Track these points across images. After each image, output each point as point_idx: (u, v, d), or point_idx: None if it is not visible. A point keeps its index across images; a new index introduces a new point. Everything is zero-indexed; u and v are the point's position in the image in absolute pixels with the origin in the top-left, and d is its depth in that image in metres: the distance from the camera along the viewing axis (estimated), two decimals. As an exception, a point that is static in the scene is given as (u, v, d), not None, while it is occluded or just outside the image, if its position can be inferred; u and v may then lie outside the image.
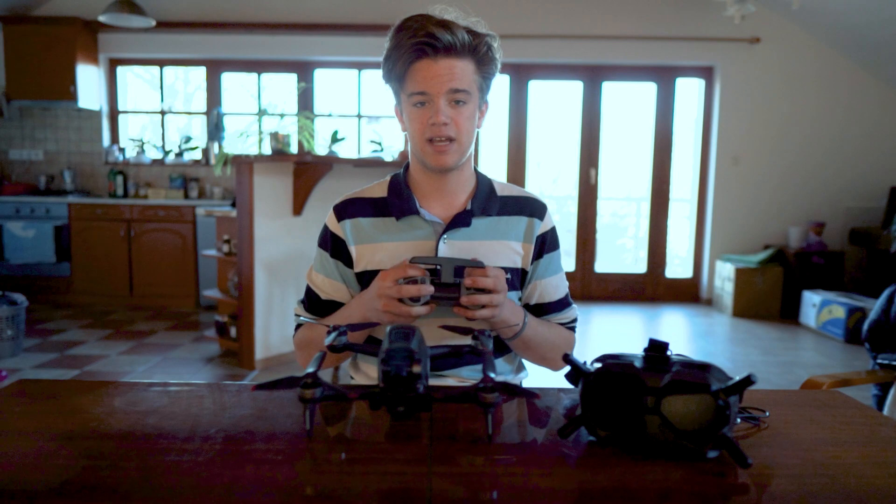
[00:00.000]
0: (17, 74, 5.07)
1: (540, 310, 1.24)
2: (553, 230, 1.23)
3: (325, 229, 1.21)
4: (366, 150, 5.55)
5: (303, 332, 1.22)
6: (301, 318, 1.24)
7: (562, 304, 1.26)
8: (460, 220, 1.15)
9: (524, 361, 1.30)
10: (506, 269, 1.15)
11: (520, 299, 1.23)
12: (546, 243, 1.22)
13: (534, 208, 1.21)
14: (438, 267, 1.02)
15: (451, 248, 1.15)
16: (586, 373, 0.78)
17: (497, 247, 1.16)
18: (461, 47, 1.06)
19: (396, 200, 1.17)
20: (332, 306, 1.21)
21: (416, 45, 1.04)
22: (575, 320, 1.29)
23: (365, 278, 1.17)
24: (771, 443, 0.80)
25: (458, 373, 1.17)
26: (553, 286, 1.23)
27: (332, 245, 1.19)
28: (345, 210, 1.19)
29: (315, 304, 1.22)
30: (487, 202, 1.18)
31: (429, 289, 1.00)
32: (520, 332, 1.14)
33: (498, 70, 1.14)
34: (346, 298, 1.20)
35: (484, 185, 1.20)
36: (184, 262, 5.07)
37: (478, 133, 1.18)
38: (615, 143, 5.73)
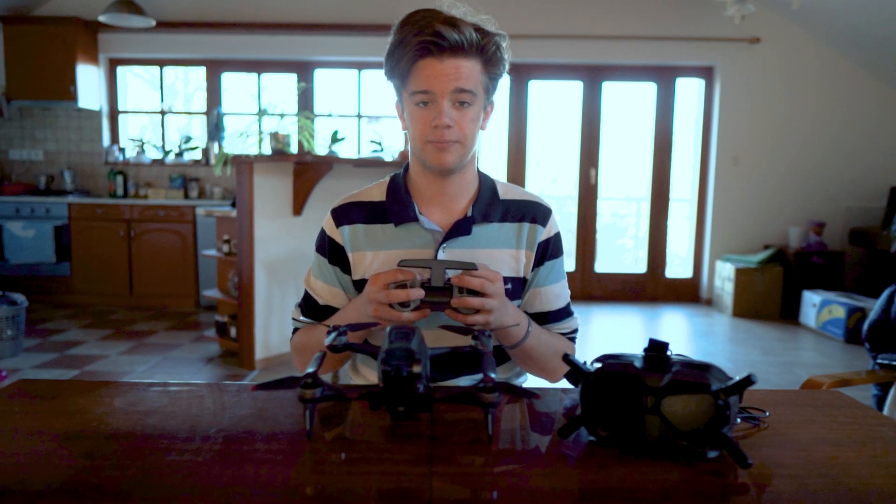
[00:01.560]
0: (17, 74, 5.07)
1: (540, 319, 1.21)
2: (556, 236, 1.19)
3: (323, 234, 1.18)
4: (366, 150, 5.55)
5: (300, 335, 1.21)
6: (298, 321, 1.23)
7: (563, 314, 1.22)
8: (460, 229, 1.11)
9: None
10: (506, 279, 1.12)
11: (519, 307, 1.20)
12: (548, 250, 1.17)
13: (536, 213, 1.17)
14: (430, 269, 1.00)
15: (451, 257, 1.11)
16: (586, 373, 0.78)
17: (497, 255, 1.13)
18: (469, 46, 1.01)
19: (395, 206, 1.13)
20: (330, 312, 1.19)
21: (422, 42, 1.00)
22: (576, 330, 1.26)
23: (362, 286, 1.14)
24: (771, 443, 0.80)
25: (455, 382, 1.16)
26: (554, 294, 1.20)
27: (330, 251, 1.16)
28: (343, 215, 1.15)
29: (313, 310, 1.20)
30: (489, 207, 1.14)
31: (418, 293, 0.97)
32: (522, 340, 1.11)
33: (505, 70, 1.10)
34: (344, 304, 1.18)
35: (486, 189, 1.16)
36: (184, 262, 5.07)
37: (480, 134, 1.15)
38: (615, 143, 5.73)
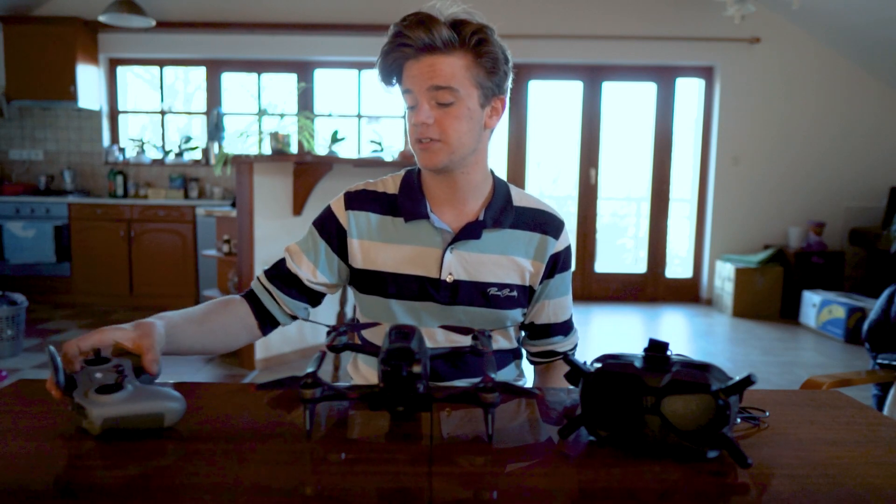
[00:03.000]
0: (17, 74, 5.07)
1: (545, 331, 1.21)
2: (567, 250, 1.18)
3: (329, 212, 1.16)
4: (366, 150, 5.55)
5: (220, 302, 1.10)
6: (254, 285, 1.15)
7: (567, 327, 1.23)
8: (470, 231, 1.10)
9: (523, 368, 1.29)
10: (510, 286, 1.13)
11: (524, 315, 1.20)
12: (559, 263, 1.17)
13: (549, 225, 1.16)
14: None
15: (459, 259, 1.10)
16: (586, 373, 0.78)
17: (504, 262, 1.12)
18: (443, 44, 1.00)
19: (407, 201, 1.13)
20: (291, 278, 1.13)
21: (396, 49, 1.02)
22: (576, 346, 1.27)
23: (364, 277, 1.14)
24: (771, 443, 0.80)
25: (453, 385, 1.16)
26: (561, 307, 1.21)
27: (328, 227, 1.14)
28: (356, 200, 1.14)
29: (277, 270, 1.14)
30: (501, 213, 1.13)
31: (53, 387, 0.80)
32: None
33: (504, 61, 1.07)
34: (309, 278, 1.13)
35: (500, 194, 1.15)
36: (184, 262, 5.07)
37: (491, 133, 1.12)
38: (615, 143, 5.73)
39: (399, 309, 1.13)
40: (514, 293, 1.13)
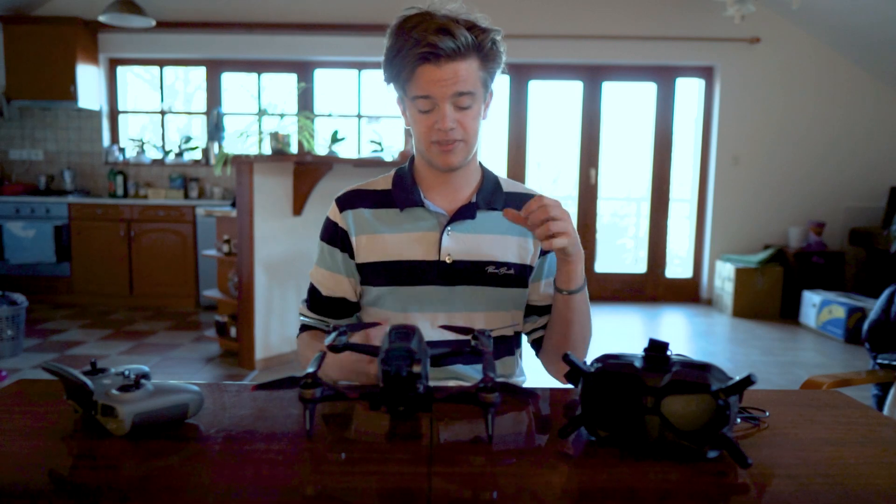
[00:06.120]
0: (17, 74, 5.07)
1: (540, 311, 1.21)
2: None
3: (328, 221, 1.20)
4: (366, 150, 5.55)
5: (306, 340, 1.21)
6: (305, 319, 1.24)
7: None
8: (465, 212, 1.14)
9: (522, 367, 1.28)
10: (508, 264, 1.15)
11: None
12: None
13: None
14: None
15: (456, 240, 1.13)
16: (586, 373, 0.78)
17: (503, 241, 1.15)
18: (465, 49, 1.03)
19: (401, 192, 1.16)
20: (334, 303, 1.20)
21: (419, 54, 1.02)
22: None
23: (366, 270, 1.16)
24: (771, 443, 0.80)
25: (455, 371, 1.15)
26: (551, 287, 1.20)
27: (334, 235, 1.18)
28: (348, 201, 1.18)
29: (317, 303, 1.21)
30: (493, 196, 1.17)
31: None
32: (584, 285, 1.09)
33: (503, 62, 1.11)
34: (348, 293, 1.19)
35: (489, 180, 1.20)
36: (184, 262, 5.07)
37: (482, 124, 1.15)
38: (615, 143, 5.73)
39: (401, 295, 1.14)
40: (512, 271, 1.15)
